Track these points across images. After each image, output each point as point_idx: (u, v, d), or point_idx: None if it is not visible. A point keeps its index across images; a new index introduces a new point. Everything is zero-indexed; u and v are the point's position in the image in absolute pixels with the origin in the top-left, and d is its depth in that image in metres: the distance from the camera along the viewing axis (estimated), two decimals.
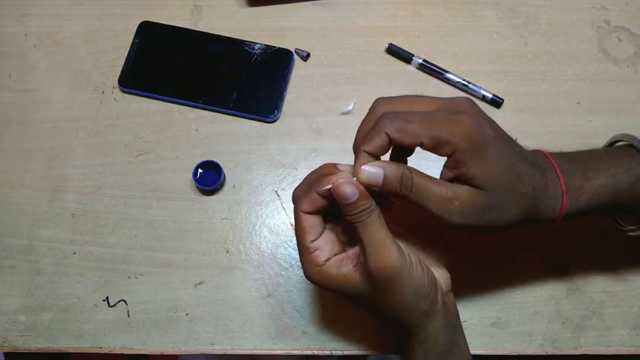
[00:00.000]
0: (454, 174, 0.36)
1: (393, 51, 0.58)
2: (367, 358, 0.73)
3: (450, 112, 0.37)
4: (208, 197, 0.53)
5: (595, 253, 0.52)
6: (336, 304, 0.50)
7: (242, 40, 0.58)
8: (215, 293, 0.51)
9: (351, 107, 0.56)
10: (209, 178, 0.53)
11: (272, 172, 0.54)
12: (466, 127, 0.36)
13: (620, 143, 0.45)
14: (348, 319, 0.50)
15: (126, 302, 0.51)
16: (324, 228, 0.39)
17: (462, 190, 0.36)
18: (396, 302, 0.37)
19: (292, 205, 0.52)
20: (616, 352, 0.49)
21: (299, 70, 0.57)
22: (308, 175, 0.40)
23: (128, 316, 0.50)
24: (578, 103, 0.56)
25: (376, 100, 0.40)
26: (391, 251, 0.36)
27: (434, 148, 0.36)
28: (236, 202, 0.53)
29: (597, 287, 0.51)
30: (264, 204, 0.53)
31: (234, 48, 0.57)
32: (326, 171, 0.38)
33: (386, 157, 0.39)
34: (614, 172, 0.41)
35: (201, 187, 0.52)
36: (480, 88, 0.56)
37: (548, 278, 0.51)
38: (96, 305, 0.51)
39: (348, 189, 0.36)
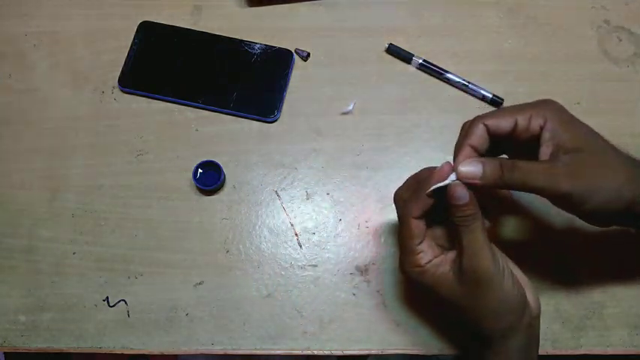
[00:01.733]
0: (551, 145, 0.38)
1: (393, 51, 0.58)
2: (367, 358, 0.73)
3: (534, 102, 0.40)
4: (208, 197, 0.53)
5: (595, 253, 0.52)
6: (336, 304, 0.50)
7: (242, 40, 0.58)
8: (215, 293, 0.51)
9: (351, 107, 0.56)
10: (209, 178, 0.53)
11: (272, 172, 0.54)
12: (551, 103, 0.40)
13: None
14: (348, 319, 0.50)
15: (126, 302, 0.51)
16: (427, 232, 0.41)
17: (564, 157, 0.37)
18: (483, 307, 0.39)
19: (293, 205, 0.53)
20: (616, 352, 0.49)
21: (299, 70, 0.57)
22: (408, 180, 0.42)
23: (128, 316, 0.50)
24: (578, 103, 0.56)
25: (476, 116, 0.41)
26: (487, 256, 0.38)
27: (527, 125, 0.38)
28: (236, 202, 0.53)
29: (597, 287, 0.51)
30: (264, 204, 0.53)
31: (234, 48, 0.57)
32: (427, 174, 0.40)
33: None
34: None
35: (201, 187, 0.52)
36: (480, 88, 0.56)
37: (548, 278, 0.51)
38: (96, 305, 0.51)
39: (463, 190, 0.38)
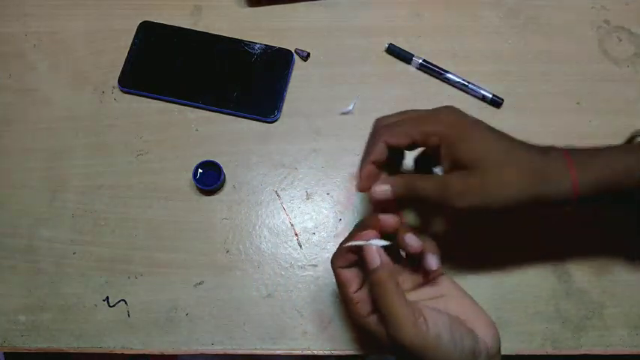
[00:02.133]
0: (447, 162, 0.40)
1: (393, 51, 0.58)
2: (367, 358, 0.73)
3: (433, 112, 0.42)
4: (208, 197, 0.53)
5: (595, 254, 0.52)
6: (336, 304, 0.50)
7: (242, 40, 0.58)
8: (215, 293, 0.51)
9: (351, 107, 0.56)
10: (209, 178, 0.53)
11: (272, 172, 0.54)
12: (446, 118, 0.41)
13: None
14: (348, 319, 0.50)
15: (126, 302, 0.51)
16: (364, 282, 0.40)
17: (454, 176, 0.39)
18: None
19: (293, 205, 0.53)
20: (616, 352, 0.49)
21: (299, 70, 0.57)
22: (350, 232, 0.42)
23: (128, 316, 0.50)
24: (578, 103, 0.56)
25: (375, 120, 0.44)
26: (407, 326, 0.36)
27: (425, 142, 0.41)
28: (236, 202, 0.53)
29: (597, 287, 0.51)
30: (264, 204, 0.53)
31: (234, 48, 0.57)
32: (364, 223, 0.41)
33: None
34: (625, 149, 0.41)
35: (201, 187, 0.52)
36: (480, 88, 0.56)
37: (548, 278, 0.51)
38: (96, 305, 0.51)
39: (375, 254, 0.38)
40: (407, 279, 0.41)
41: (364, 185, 0.42)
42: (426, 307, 0.38)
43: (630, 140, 0.47)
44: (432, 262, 0.39)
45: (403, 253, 0.43)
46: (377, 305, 0.38)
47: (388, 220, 0.39)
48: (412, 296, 0.40)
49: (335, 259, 0.41)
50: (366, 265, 0.38)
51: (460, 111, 0.42)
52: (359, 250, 0.39)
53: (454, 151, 0.40)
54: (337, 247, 0.41)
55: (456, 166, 0.40)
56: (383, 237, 0.39)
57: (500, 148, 0.40)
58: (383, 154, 0.42)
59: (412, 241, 0.38)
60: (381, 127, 0.43)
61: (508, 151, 0.40)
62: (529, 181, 0.39)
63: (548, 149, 0.41)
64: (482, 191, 0.39)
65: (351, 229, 0.42)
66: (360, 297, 0.40)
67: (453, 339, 0.36)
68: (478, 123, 0.41)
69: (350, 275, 0.40)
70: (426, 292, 0.40)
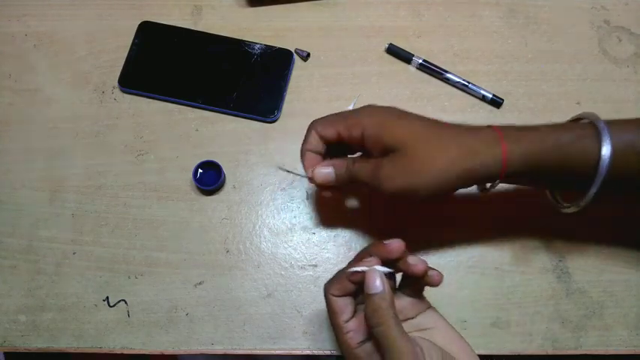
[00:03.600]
0: (375, 150, 0.41)
1: (393, 51, 0.58)
2: None
3: (358, 108, 0.43)
4: (208, 197, 0.53)
5: (595, 254, 0.52)
6: None
7: (242, 40, 0.58)
8: (215, 293, 0.51)
9: (351, 107, 0.56)
10: (209, 178, 0.53)
11: (272, 172, 0.54)
12: (367, 110, 0.42)
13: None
14: None
15: (126, 302, 0.51)
16: (357, 310, 0.40)
17: (384, 160, 0.40)
18: None
19: (293, 205, 0.53)
20: (616, 352, 0.49)
21: (299, 70, 0.57)
22: (350, 261, 0.41)
23: (128, 316, 0.50)
24: (578, 103, 0.56)
25: (311, 122, 0.45)
26: (407, 355, 0.35)
27: (350, 135, 0.42)
28: (236, 202, 0.53)
29: (597, 287, 0.51)
30: (264, 204, 0.53)
31: (234, 48, 0.57)
32: (369, 251, 0.40)
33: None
34: (561, 127, 0.41)
35: (201, 187, 0.52)
36: (480, 88, 0.56)
37: (548, 278, 0.51)
38: (96, 305, 0.51)
39: (379, 280, 0.37)
40: (399, 311, 0.40)
41: (309, 172, 0.44)
42: (419, 339, 0.38)
43: (575, 121, 0.45)
44: (435, 275, 0.39)
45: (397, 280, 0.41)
46: (374, 332, 0.36)
47: (393, 244, 0.38)
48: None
49: (330, 286, 0.40)
50: (367, 290, 0.37)
51: (388, 106, 0.43)
52: (359, 279, 0.38)
53: (378, 138, 0.40)
54: (334, 274, 0.40)
55: (384, 153, 0.41)
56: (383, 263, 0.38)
57: (426, 128, 0.41)
58: (317, 144, 0.44)
59: (416, 261, 0.38)
60: (314, 121, 0.45)
61: (434, 131, 0.40)
62: (457, 155, 0.39)
63: (479, 127, 0.41)
64: (410, 171, 0.39)
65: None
66: (351, 327, 0.39)
67: None
68: (404, 113, 0.42)
69: (343, 304, 0.39)
70: (414, 323, 0.40)
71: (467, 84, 0.56)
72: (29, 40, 0.58)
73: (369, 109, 0.43)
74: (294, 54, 0.58)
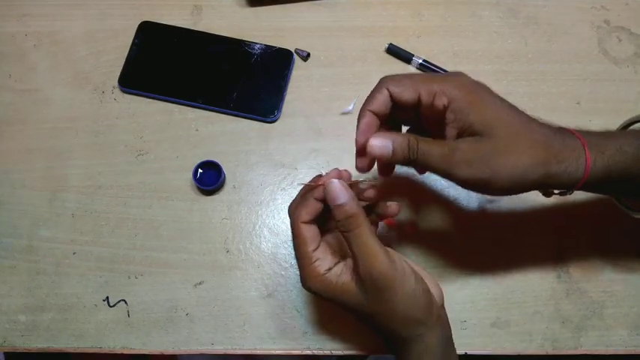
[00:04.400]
0: (455, 127, 0.37)
1: (393, 51, 0.58)
2: (367, 358, 0.73)
3: (444, 73, 0.40)
4: (208, 197, 0.53)
5: (595, 253, 0.52)
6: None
7: (242, 40, 0.58)
8: (215, 293, 0.51)
9: (351, 107, 0.56)
10: (209, 178, 0.53)
11: (272, 172, 0.54)
12: (458, 80, 0.37)
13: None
14: (348, 319, 0.50)
15: (126, 302, 0.51)
16: (321, 239, 0.40)
17: (463, 142, 0.36)
18: (391, 311, 0.38)
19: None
20: (616, 352, 0.49)
21: (299, 70, 0.57)
22: (301, 189, 0.42)
23: (128, 316, 0.50)
24: (578, 103, 0.56)
25: (382, 78, 0.40)
26: (380, 258, 0.36)
27: (431, 102, 0.37)
28: (236, 202, 0.53)
29: (597, 287, 0.51)
30: (264, 204, 0.53)
31: (234, 48, 0.57)
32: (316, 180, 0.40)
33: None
34: (636, 135, 0.39)
35: (201, 187, 0.52)
36: None
37: (548, 278, 0.51)
38: (96, 305, 0.51)
39: (342, 189, 0.37)
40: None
41: (361, 138, 0.38)
42: (391, 249, 0.39)
43: (626, 127, 0.46)
44: (393, 206, 0.40)
45: None
46: (347, 237, 0.37)
47: (342, 172, 0.39)
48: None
49: (298, 212, 0.39)
50: (334, 201, 0.37)
51: (480, 82, 0.38)
52: (322, 195, 0.38)
53: (464, 116, 0.36)
54: (294, 201, 0.40)
55: (465, 133, 0.36)
56: None
57: (515, 117, 0.37)
58: (385, 105, 0.38)
59: (365, 186, 0.38)
60: (386, 77, 0.39)
61: (523, 122, 0.37)
62: (543, 156, 0.36)
63: (564, 131, 0.38)
64: (492, 161, 0.35)
65: None
66: (319, 255, 0.39)
67: (415, 276, 0.38)
68: (491, 91, 0.38)
69: (313, 233, 0.39)
70: None
71: None
72: (29, 40, 0.58)
73: (460, 78, 0.38)
74: (294, 54, 0.58)
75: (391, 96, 0.38)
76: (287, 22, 0.59)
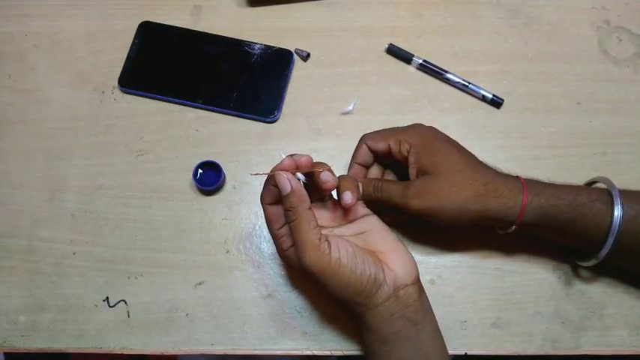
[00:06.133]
0: (415, 167, 0.45)
1: (393, 51, 0.58)
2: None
3: (410, 125, 0.48)
4: (208, 197, 0.53)
5: None
6: (336, 304, 0.50)
7: (242, 40, 0.58)
8: (215, 293, 0.51)
9: (351, 107, 0.56)
10: (209, 178, 0.53)
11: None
12: (417, 129, 0.47)
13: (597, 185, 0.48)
14: (348, 319, 0.50)
15: (126, 302, 0.51)
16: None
17: (416, 180, 0.45)
18: (331, 293, 0.41)
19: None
20: (616, 352, 0.49)
21: (299, 70, 0.57)
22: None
23: (128, 316, 0.50)
24: (578, 103, 0.56)
25: (362, 136, 0.49)
26: (309, 250, 0.39)
27: (398, 149, 0.46)
28: (236, 202, 0.53)
29: (597, 287, 0.51)
30: None
31: (234, 48, 0.57)
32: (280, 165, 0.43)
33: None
34: (577, 189, 0.45)
35: (201, 187, 0.52)
36: (480, 88, 0.56)
37: (548, 279, 0.51)
38: (96, 305, 0.51)
39: (286, 181, 0.40)
40: (335, 217, 0.44)
41: (353, 176, 0.48)
42: (333, 236, 0.41)
43: (589, 185, 0.49)
44: (347, 197, 0.42)
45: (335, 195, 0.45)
46: (290, 227, 0.41)
47: (301, 159, 0.41)
48: (337, 232, 0.43)
49: (262, 195, 0.43)
50: (281, 192, 0.40)
51: (435, 128, 0.47)
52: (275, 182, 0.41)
53: (420, 158, 0.45)
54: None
55: (420, 172, 0.45)
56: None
57: (462, 160, 0.45)
58: (367, 156, 0.48)
59: (327, 177, 0.41)
60: (364, 135, 0.49)
61: (469, 164, 0.45)
62: (483, 192, 0.43)
63: (508, 175, 0.46)
64: (437, 195, 0.43)
65: None
66: (283, 233, 0.43)
67: (353, 264, 0.40)
68: (449, 139, 0.47)
69: (276, 212, 0.43)
70: (351, 228, 0.43)
71: (467, 84, 0.56)
72: (29, 40, 0.58)
73: (418, 129, 0.47)
74: (294, 54, 0.58)
75: (369, 148, 0.48)
76: (287, 22, 0.59)
